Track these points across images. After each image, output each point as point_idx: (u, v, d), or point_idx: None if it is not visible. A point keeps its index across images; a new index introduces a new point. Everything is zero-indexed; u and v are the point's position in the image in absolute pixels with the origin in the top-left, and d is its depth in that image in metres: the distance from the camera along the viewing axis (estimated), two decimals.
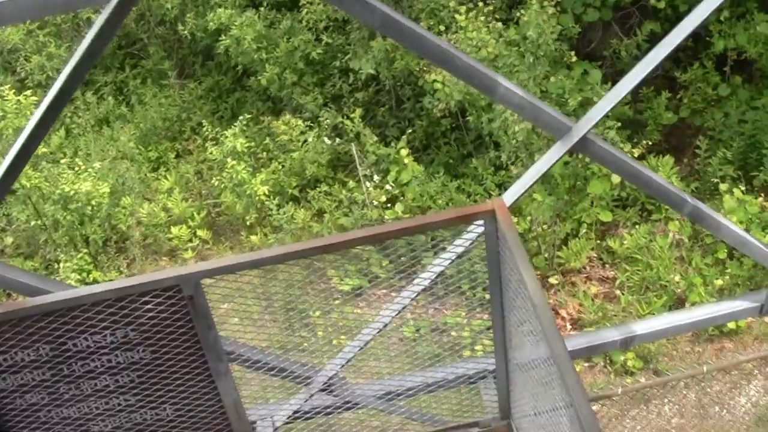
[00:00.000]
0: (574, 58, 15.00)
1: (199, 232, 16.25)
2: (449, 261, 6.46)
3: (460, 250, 6.31)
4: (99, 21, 5.20)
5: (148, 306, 5.53)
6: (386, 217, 15.41)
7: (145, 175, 17.62)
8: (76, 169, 15.83)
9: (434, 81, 15.18)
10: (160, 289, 5.50)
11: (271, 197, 15.83)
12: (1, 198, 5.75)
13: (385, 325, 6.79)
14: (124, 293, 5.48)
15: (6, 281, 5.90)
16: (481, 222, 5.67)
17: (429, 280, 6.67)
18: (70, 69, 5.40)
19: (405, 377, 7.10)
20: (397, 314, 6.78)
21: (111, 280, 14.84)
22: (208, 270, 5.49)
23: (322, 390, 6.81)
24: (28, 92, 15.90)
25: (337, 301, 14.41)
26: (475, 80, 5.76)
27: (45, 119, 5.61)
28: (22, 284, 5.89)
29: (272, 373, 6.41)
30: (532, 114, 5.93)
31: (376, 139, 16.24)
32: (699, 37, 16.01)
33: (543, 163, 6.13)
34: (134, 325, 5.62)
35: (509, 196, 6.17)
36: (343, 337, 11.27)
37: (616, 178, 14.52)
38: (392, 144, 16.41)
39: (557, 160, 6.13)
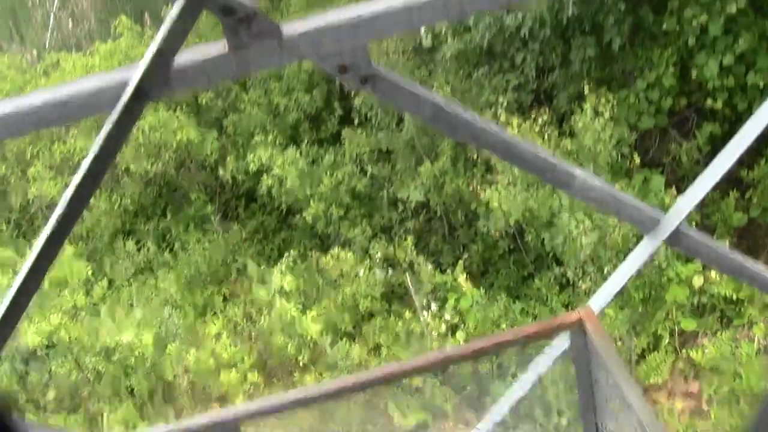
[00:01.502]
0: (638, 161, 14.34)
1: (250, 376, 15.48)
2: (529, 385, 5.64)
3: (539, 371, 5.51)
4: (99, 139, 4.49)
5: None
6: (448, 347, 14.61)
7: (192, 321, 16.97)
8: (117, 318, 15.23)
9: (489, 201, 14.51)
10: None
11: (324, 335, 15.11)
12: (9, 332, 5.02)
13: None
14: None
15: None
16: (565, 336, 4.89)
17: (503, 410, 5.84)
18: (71, 191, 4.63)
19: None
20: None
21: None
22: (249, 413, 4.73)
23: None
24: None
25: None
26: (547, 173, 5.01)
27: (45, 252, 4.84)
28: None
29: None
30: (614, 207, 5.15)
31: (430, 267, 15.57)
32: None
33: (632, 262, 5.35)
34: None
35: (597, 303, 5.36)
36: None
37: (698, 281, 13.68)
38: (448, 271, 15.71)
39: (649, 258, 5.34)
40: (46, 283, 15.03)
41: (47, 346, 15.82)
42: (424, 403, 13.67)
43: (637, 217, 5.20)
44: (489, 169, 15.40)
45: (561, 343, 4.99)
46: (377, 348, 15.46)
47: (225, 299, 17.58)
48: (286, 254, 16.21)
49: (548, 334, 4.85)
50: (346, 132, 16.84)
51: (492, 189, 14.47)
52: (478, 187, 15.01)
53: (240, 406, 4.53)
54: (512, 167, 14.04)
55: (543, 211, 13.81)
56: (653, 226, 5.20)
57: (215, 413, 4.66)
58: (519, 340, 4.86)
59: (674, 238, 5.19)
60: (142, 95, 3.97)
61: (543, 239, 14.42)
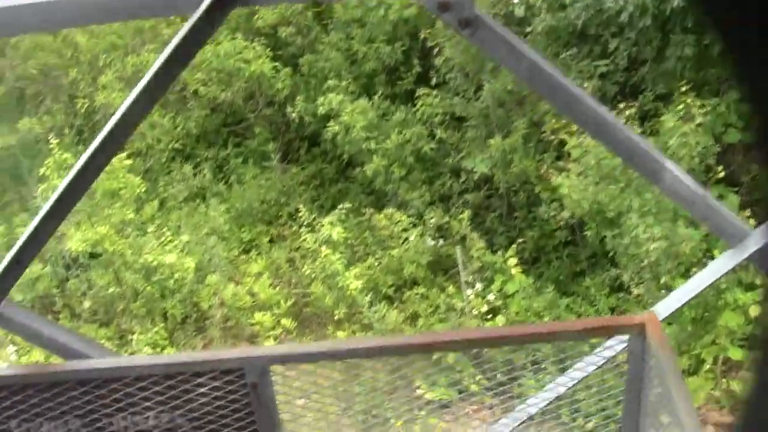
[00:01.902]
0: (721, 174, 13.76)
1: (284, 321, 15.23)
2: (572, 382, 5.28)
3: (587, 369, 5.14)
4: (174, 42, 4.18)
5: (203, 390, 4.47)
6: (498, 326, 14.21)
7: (235, 256, 16.76)
8: (163, 239, 15.01)
9: (557, 187, 14.03)
10: (219, 370, 4.44)
11: (364, 293, 14.78)
12: (43, 241, 4.77)
13: None
14: (175, 370, 4.43)
15: (43, 339, 4.88)
16: (624, 338, 4.52)
17: (538, 404, 5.49)
18: (138, 91, 4.35)
19: None
20: None
21: None
22: (280, 355, 4.42)
23: None
24: (123, 155, 15.21)
25: (422, 412, 13.20)
26: (636, 160, 4.63)
27: (99, 154, 4.58)
28: (60, 345, 4.86)
29: None
30: (703, 211, 4.75)
31: (482, 244, 15.14)
32: None
33: (709, 273, 4.96)
34: (183, 410, 4.55)
35: (663, 310, 4.97)
36: None
37: (754, 311, 13.12)
38: (499, 252, 15.28)
39: (727, 272, 4.94)
40: (98, 193, 14.86)
41: (90, 256, 15.70)
42: (452, 381, 13.34)
43: (725, 226, 4.79)
44: (561, 155, 14.93)
45: (618, 345, 4.63)
46: (414, 317, 15.11)
47: (272, 240, 17.36)
48: (339, 206, 15.90)
49: (606, 333, 4.49)
50: (421, 91, 16.39)
51: (563, 176, 13.98)
52: (549, 171, 14.51)
53: (272, 347, 4.19)
54: (587, 156, 13.57)
55: (611, 207, 13.30)
56: (741, 240, 4.80)
57: (246, 349, 4.34)
58: (574, 333, 4.50)
59: (761, 256, 4.78)
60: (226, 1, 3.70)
61: (604, 237, 13.92)
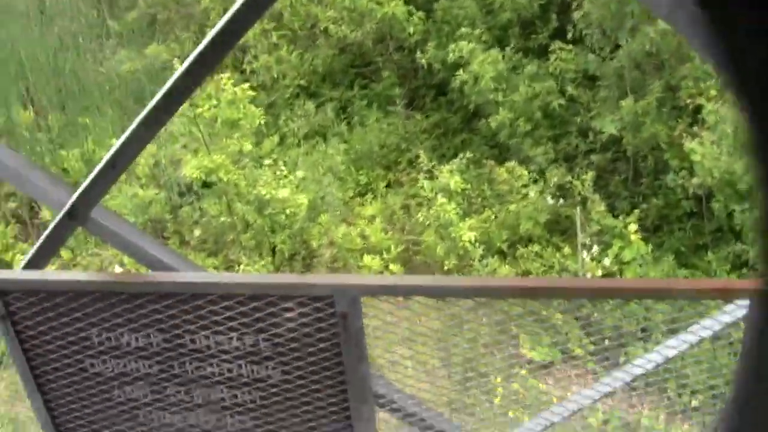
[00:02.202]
0: None
1: (392, 267, 15.03)
2: (682, 347, 4.93)
3: (700, 335, 4.79)
4: None
5: (290, 315, 4.27)
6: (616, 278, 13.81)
7: (350, 197, 16.61)
8: (278, 174, 14.91)
9: (691, 152, 13.48)
10: (308, 296, 4.23)
11: (477, 246, 14.49)
12: (139, 148, 4.61)
13: (577, 411, 5.31)
14: (262, 291, 4.22)
15: (131, 248, 4.74)
16: (743, 303, 4.16)
17: (641, 368, 5.16)
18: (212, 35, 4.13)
19: None
20: (594, 401, 5.31)
21: None
22: (374, 286, 4.18)
23: None
24: (245, 85, 15.13)
25: (523, 371, 12.89)
26: None
27: (173, 93, 4.38)
28: (148, 255, 4.72)
29: None
30: None
31: (603, 208, 14.72)
32: None
33: None
34: (268, 334, 4.35)
35: None
36: (521, 411, 9.86)
37: None
38: (620, 218, 14.83)
39: None
40: (218, 122, 14.82)
41: (204, 185, 15.72)
42: (557, 341, 12.99)
43: None
44: (694, 122, 14.38)
45: (736, 310, 4.28)
46: (526, 274, 14.77)
47: (388, 185, 17.14)
48: (461, 155, 15.59)
49: (727, 295, 4.14)
50: (555, 46, 15.94)
51: (696, 141, 13.44)
52: (683, 135, 13.95)
53: (366, 276, 3.94)
54: (723, 125, 12.99)
55: (745, 179, 12.73)
56: None
57: (338, 276, 4.12)
58: (690, 291, 4.14)
59: None
60: None
61: (732, 211, 13.35)
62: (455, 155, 16.41)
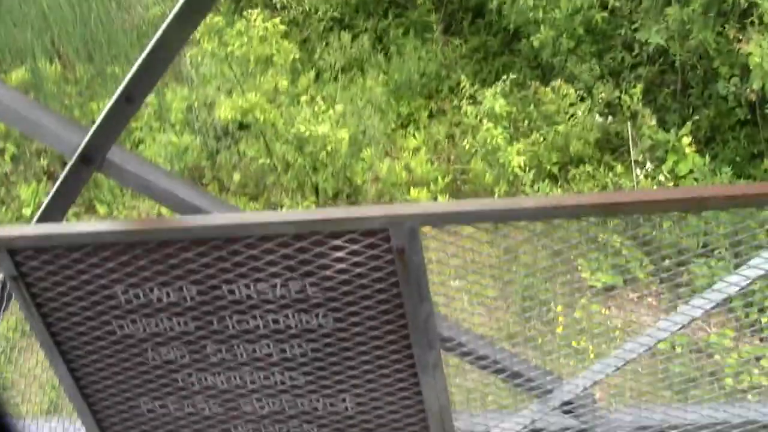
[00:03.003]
0: None
1: (441, 198, 14.54)
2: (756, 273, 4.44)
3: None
4: None
5: (339, 254, 3.80)
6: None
7: (392, 130, 16.11)
8: (316, 109, 14.41)
9: (749, 55, 12.83)
10: (359, 232, 3.74)
11: (526, 171, 13.98)
12: (156, 76, 4.12)
13: (655, 344, 4.85)
14: (307, 229, 3.75)
15: (155, 190, 4.26)
16: None
17: (717, 296, 4.68)
18: None
19: (669, 410, 5.14)
20: (671, 334, 4.85)
21: None
22: (434, 214, 3.69)
23: (564, 408, 4.93)
24: (276, 20, 14.60)
25: (583, 299, 12.42)
26: None
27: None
28: (174, 197, 4.24)
29: (501, 375, 4.54)
30: None
31: (654, 122, 14.18)
32: None
33: None
34: (316, 278, 3.88)
35: None
36: (584, 340, 9.43)
37: None
38: (672, 131, 14.27)
39: None
40: (251, 60, 14.33)
41: (240, 126, 15.28)
42: (617, 266, 12.50)
43: None
44: (744, 26, 13.71)
45: None
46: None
47: (431, 115, 16.62)
48: (503, 77, 15.04)
49: None
50: None
51: (753, 43, 12.78)
52: (735, 40, 13.29)
53: (424, 204, 3.45)
54: None
55: None
56: None
57: (393, 206, 3.65)
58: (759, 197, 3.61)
59: None
60: None
61: None
62: (497, 79, 15.85)
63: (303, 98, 14.95)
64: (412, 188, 14.67)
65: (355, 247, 3.76)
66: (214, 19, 14.36)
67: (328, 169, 14.57)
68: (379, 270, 3.81)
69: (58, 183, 4.42)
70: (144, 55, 3.97)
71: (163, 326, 4.13)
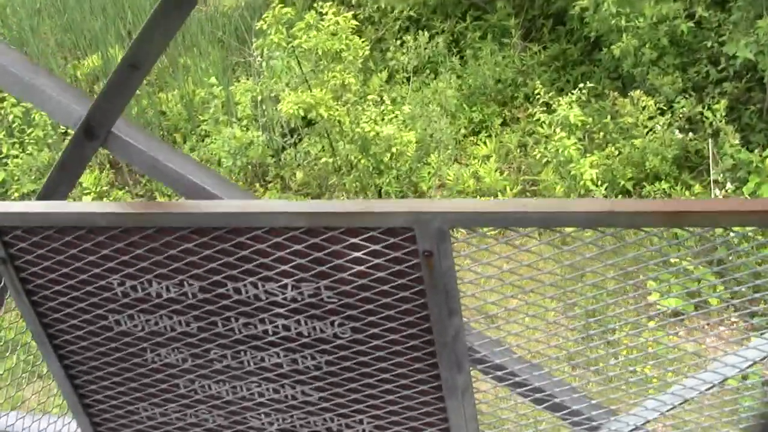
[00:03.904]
0: None
1: None
2: None
3: None
4: None
5: (357, 254, 3.30)
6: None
7: (463, 136, 15.62)
8: (383, 109, 13.94)
9: None
10: (379, 230, 3.24)
11: (599, 185, 13.39)
12: (162, 44, 3.67)
13: (721, 382, 4.30)
14: (322, 224, 3.26)
15: (159, 169, 3.79)
16: None
17: None
18: None
19: None
20: (740, 371, 4.30)
21: None
22: (468, 214, 3.17)
23: None
24: (349, 14, 14.17)
25: (651, 323, 11.79)
26: None
27: None
28: (182, 179, 3.78)
29: (541, 406, 4.00)
30: None
31: (738, 141, 13.52)
32: None
33: None
34: (331, 280, 3.39)
35: None
36: (649, 367, 8.84)
37: None
38: (756, 151, 13.61)
39: None
40: (318, 54, 13.91)
41: (306, 123, 14.89)
42: (689, 289, 11.79)
43: None
44: None
45: None
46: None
47: (504, 123, 16.14)
48: (581, 85, 14.49)
49: None
50: None
51: None
52: None
53: (457, 202, 2.93)
54: None
55: None
56: None
57: (420, 203, 3.13)
58: None
59: None
60: None
61: None
62: (575, 89, 15.28)
63: (370, 97, 14.49)
64: (479, 197, 14.13)
65: (375, 247, 3.26)
66: (282, 10, 13.96)
67: (392, 172, 14.09)
68: (402, 276, 3.31)
69: (59, 158, 3.99)
70: (150, 17, 3.52)
71: (162, 325, 3.68)
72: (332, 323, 3.49)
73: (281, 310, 3.50)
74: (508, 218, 3.11)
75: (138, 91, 16.53)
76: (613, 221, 3.00)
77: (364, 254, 3.29)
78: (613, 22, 14.65)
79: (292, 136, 15.52)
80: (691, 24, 14.50)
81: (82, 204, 3.72)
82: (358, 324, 3.47)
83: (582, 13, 15.31)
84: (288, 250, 3.34)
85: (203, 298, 3.54)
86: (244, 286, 3.46)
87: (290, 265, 3.36)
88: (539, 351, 3.82)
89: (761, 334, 4.35)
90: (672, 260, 9.42)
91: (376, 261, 3.30)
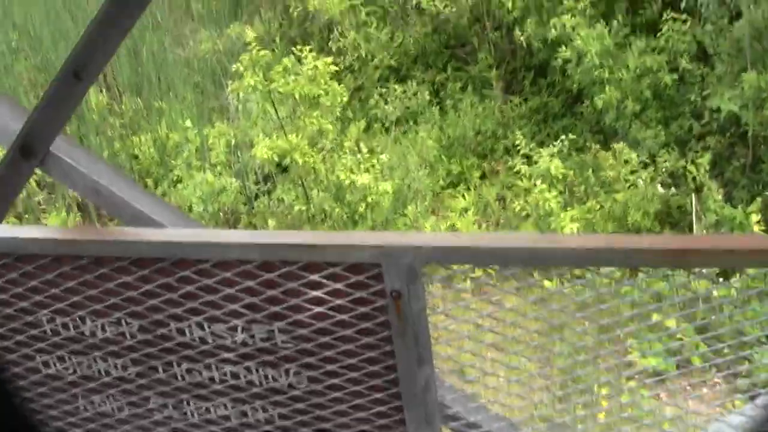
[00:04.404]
0: None
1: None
2: None
3: None
4: None
5: (317, 293, 2.93)
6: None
7: (441, 187, 15.38)
8: (360, 158, 13.68)
9: None
10: (342, 266, 2.88)
11: None
12: (108, 53, 3.30)
13: None
14: (277, 256, 2.90)
15: (101, 193, 3.42)
16: None
17: None
18: None
19: None
20: None
21: None
22: (441, 249, 2.82)
23: None
24: (328, 59, 13.94)
25: (631, 382, 11.41)
26: None
27: None
28: (121, 203, 3.40)
29: None
30: None
31: (720, 197, 13.37)
32: None
33: None
34: (286, 322, 3.02)
35: None
36: (630, 428, 8.42)
37: None
38: (739, 207, 13.45)
39: None
40: (294, 98, 13.66)
41: (281, 170, 14.63)
42: (670, 348, 11.54)
43: None
44: None
45: None
46: (634, 272, 13.32)
47: (483, 176, 15.91)
48: (562, 137, 14.32)
49: None
50: (667, 16, 14.60)
51: None
52: None
53: (432, 235, 2.59)
54: None
55: None
56: None
57: (389, 235, 2.77)
58: None
59: None
60: None
61: None
62: (556, 141, 15.11)
63: (347, 144, 14.24)
64: None
65: (337, 285, 2.90)
66: (260, 53, 13.73)
67: (367, 222, 13.80)
68: (366, 319, 2.95)
69: None
70: (94, 18, 3.16)
71: (96, 368, 3.29)
72: (287, 371, 3.12)
73: (230, 355, 3.13)
74: (492, 255, 2.75)
75: (110, 133, 16.25)
76: (605, 259, 2.65)
77: (324, 293, 2.92)
78: (596, 73, 14.53)
79: (266, 183, 15.23)
80: (674, 77, 14.39)
81: (6, 227, 3.35)
82: (316, 373, 3.10)
83: (564, 65, 15.22)
84: (239, 287, 2.97)
85: (143, 339, 3.15)
86: (189, 326, 3.08)
87: (241, 303, 2.99)
88: (519, 406, 3.45)
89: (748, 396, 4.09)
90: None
91: (338, 301, 2.93)
